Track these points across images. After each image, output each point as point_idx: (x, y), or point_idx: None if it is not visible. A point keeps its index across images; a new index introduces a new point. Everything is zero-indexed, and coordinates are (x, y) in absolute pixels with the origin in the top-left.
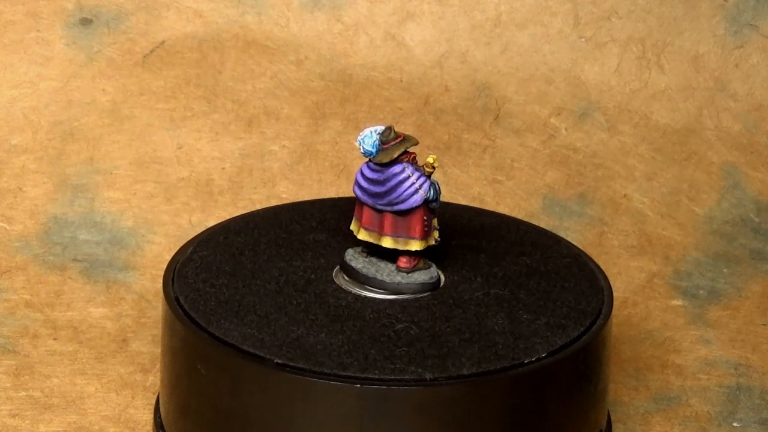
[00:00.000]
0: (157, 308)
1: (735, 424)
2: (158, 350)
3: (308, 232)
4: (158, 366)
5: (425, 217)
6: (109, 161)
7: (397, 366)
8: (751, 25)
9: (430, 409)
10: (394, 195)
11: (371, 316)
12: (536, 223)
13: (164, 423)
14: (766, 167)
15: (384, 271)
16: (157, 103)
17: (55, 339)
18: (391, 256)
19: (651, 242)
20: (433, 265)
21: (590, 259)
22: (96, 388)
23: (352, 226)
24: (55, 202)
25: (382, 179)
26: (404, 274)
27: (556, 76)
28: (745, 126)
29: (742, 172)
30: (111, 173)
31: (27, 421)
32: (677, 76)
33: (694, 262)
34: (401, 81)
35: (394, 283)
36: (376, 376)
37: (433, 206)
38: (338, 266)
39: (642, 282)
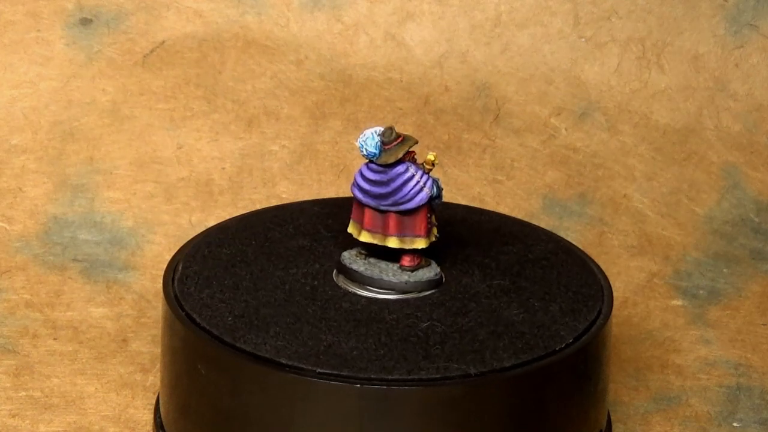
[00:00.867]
0: (157, 308)
1: (735, 424)
2: (158, 350)
3: (288, 238)
4: (158, 366)
5: (429, 215)
6: (109, 161)
7: (440, 365)
8: (751, 25)
9: (430, 409)
10: (400, 195)
11: (391, 317)
12: (536, 223)
13: (164, 423)
14: (766, 167)
15: (388, 271)
16: (157, 103)
17: (55, 339)
18: (390, 255)
19: (651, 242)
20: (433, 262)
21: (590, 258)
22: (96, 388)
23: (350, 229)
24: (55, 202)
25: (385, 180)
26: (409, 272)
27: (556, 76)
28: (745, 126)
29: (742, 172)
30: (111, 173)
31: (27, 421)
32: (677, 76)
33: (694, 262)
34: (401, 81)
35: (401, 282)
36: (379, 377)
37: (436, 203)
38: (335, 270)
39: (642, 282)
